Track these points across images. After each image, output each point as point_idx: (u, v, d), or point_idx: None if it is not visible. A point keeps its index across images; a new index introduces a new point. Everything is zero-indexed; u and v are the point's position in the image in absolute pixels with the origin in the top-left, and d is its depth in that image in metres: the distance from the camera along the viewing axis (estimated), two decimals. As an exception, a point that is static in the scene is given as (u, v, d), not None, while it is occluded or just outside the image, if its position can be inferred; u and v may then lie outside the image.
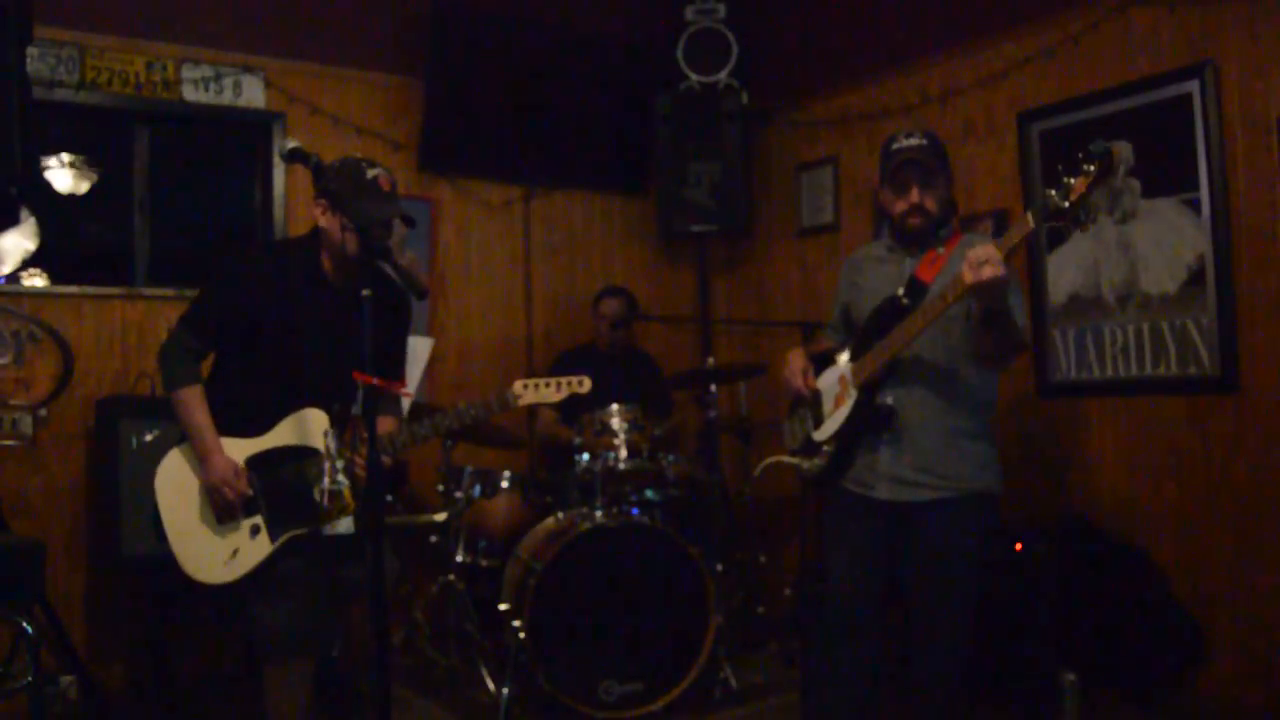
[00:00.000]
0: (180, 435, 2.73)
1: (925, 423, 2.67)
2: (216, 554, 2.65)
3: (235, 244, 4.62)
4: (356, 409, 2.74)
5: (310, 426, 2.68)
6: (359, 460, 2.63)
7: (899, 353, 2.63)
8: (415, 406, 4.00)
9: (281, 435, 2.70)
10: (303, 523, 2.64)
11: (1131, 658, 3.48)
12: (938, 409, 2.67)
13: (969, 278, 2.34)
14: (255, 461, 2.68)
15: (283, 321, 2.69)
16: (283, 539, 2.65)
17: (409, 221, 2.67)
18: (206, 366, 2.80)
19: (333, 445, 2.49)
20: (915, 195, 2.69)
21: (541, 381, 2.82)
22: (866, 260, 2.92)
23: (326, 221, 2.69)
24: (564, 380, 2.82)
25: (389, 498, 4.24)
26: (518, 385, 2.80)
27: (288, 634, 2.64)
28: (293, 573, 2.65)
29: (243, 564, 2.64)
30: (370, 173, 2.67)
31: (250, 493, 2.65)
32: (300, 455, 2.68)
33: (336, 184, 2.62)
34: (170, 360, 2.72)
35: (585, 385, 2.85)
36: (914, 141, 2.72)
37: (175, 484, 2.70)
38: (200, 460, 2.66)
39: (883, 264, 2.83)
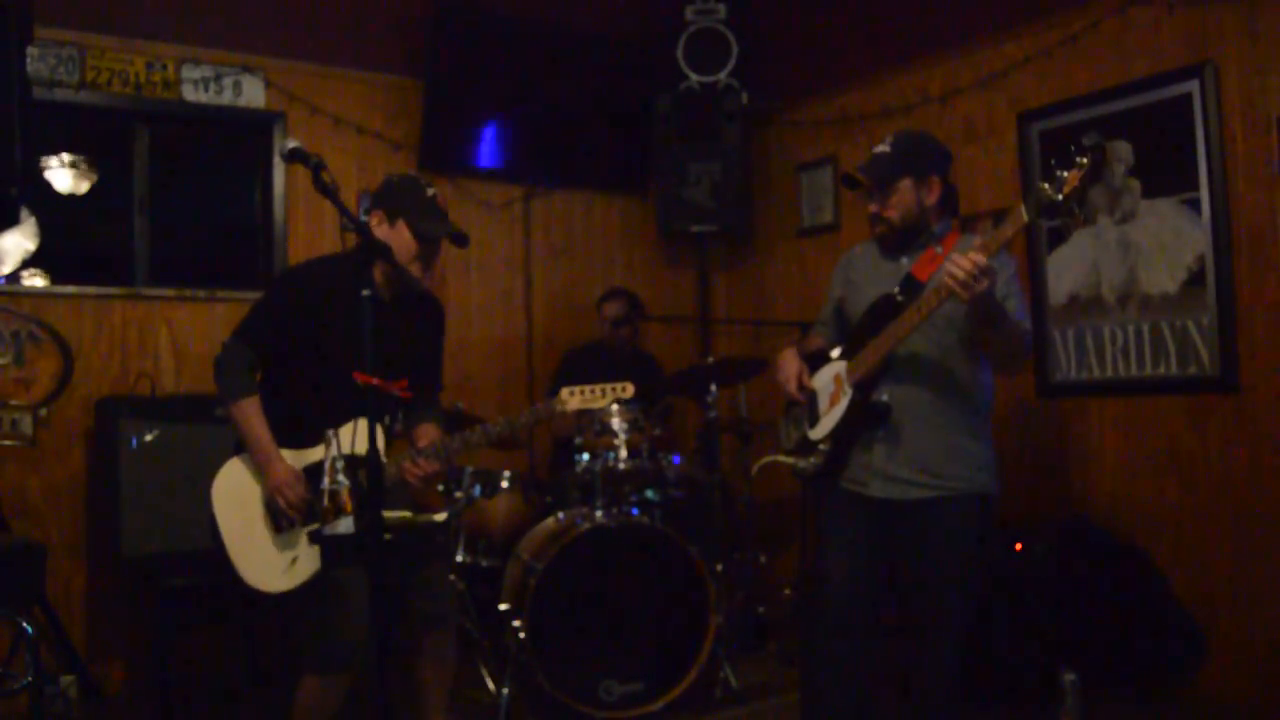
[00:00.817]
0: (236, 445, 2.76)
1: (921, 421, 2.66)
2: (275, 563, 2.67)
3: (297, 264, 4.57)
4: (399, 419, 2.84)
5: (362, 437, 2.69)
6: (412, 468, 2.71)
7: (892, 350, 2.63)
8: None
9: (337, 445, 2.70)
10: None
11: (1131, 657, 3.48)
12: (933, 408, 2.66)
13: (964, 295, 2.35)
14: (311, 471, 2.69)
15: (339, 335, 2.70)
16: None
17: (461, 240, 2.76)
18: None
19: (334, 445, 2.49)
20: (872, 206, 2.76)
21: (587, 388, 2.85)
22: (863, 257, 2.92)
23: (384, 234, 2.73)
24: (609, 386, 2.85)
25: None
26: (564, 393, 2.83)
27: (336, 647, 2.65)
28: (349, 587, 2.64)
29: (301, 572, 2.66)
30: (429, 191, 2.78)
31: (310, 499, 2.66)
32: (356, 464, 2.68)
33: (397, 198, 2.73)
34: (226, 372, 2.73)
35: (629, 391, 2.87)
36: (876, 150, 2.76)
37: (233, 493, 2.71)
38: (262, 469, 2.68)
39: (880, 262, 2.83)
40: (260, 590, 2.66)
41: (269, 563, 2.67)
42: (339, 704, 2.72)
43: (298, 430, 2.71)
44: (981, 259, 2.31)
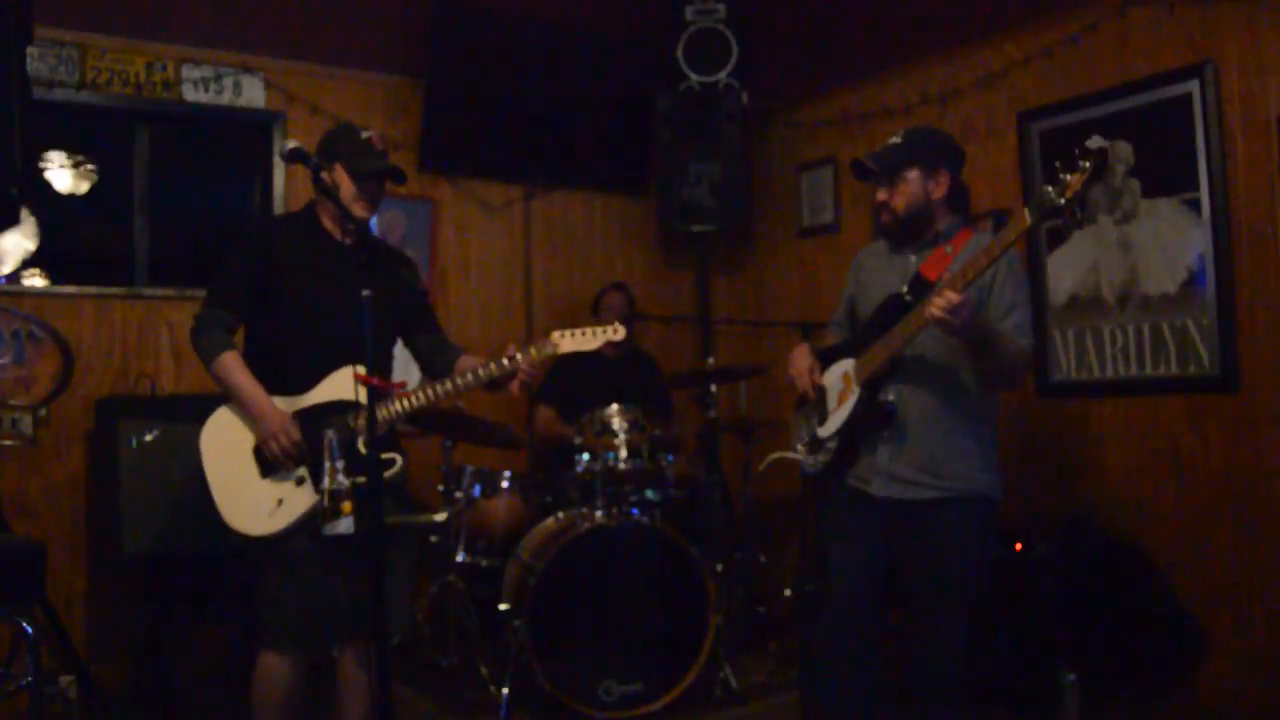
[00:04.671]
0: (222, 397, 2.78)
1: (926, 422, 2.67)
2: (261, 505, 2.67)
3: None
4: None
5: (352, 382, 2.70)
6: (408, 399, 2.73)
7: (899, 351, 2.63)
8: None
9: (326, 391, 2.74)
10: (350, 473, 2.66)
11: (1132, 657, 3.48)
12: (939, 409, 2.67)
13: (928, 313, 2.41)
14: (301, 416, 2.72)
15: (303, 280, 2.77)
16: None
17: (398, 176, 2.83)
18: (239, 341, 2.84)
19: (334, 444, 2.49)
20: (880, 194, 2.76)
21: (578, 331, 2.84)
22: (874, 255, 2.92)
23: (330, 180, 2.77)
24: (599, 329, 2.85)
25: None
26: (555, 334, 2.83)
27: (296, 626, 2.66)
28: (302, 558, 2.66)
29: (287, 514, 2.66)
30: (364, 134, 2.84)
31: (301, 440, 2.67)
32: (346, 409, 2.72)
33: (331, 145, 2.80)
34: (202, 335, 2.76)
35: (620, 333, 2.87)
36: (889, 141, 2.78)
37: (221, 439, 2.73)
38: (252, 416, 2.69)
39: (890, 260, 2.84)
40: (246, 534, 2.66)
41: (255, 506, 2.67)
42: (298, 685, 2.70)
43: (287, 378, 2.73)
44: (954, 297, 2.36)
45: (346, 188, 2.76)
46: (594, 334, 2.83)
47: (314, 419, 2.71)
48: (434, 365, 3.03)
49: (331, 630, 2.72)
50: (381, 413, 2.71)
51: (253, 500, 2.68)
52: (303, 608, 2.66)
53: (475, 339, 4.99)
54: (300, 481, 2.68)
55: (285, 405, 2.72)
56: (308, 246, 2.82)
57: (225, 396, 2.77)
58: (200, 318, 2.79)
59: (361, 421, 2.64)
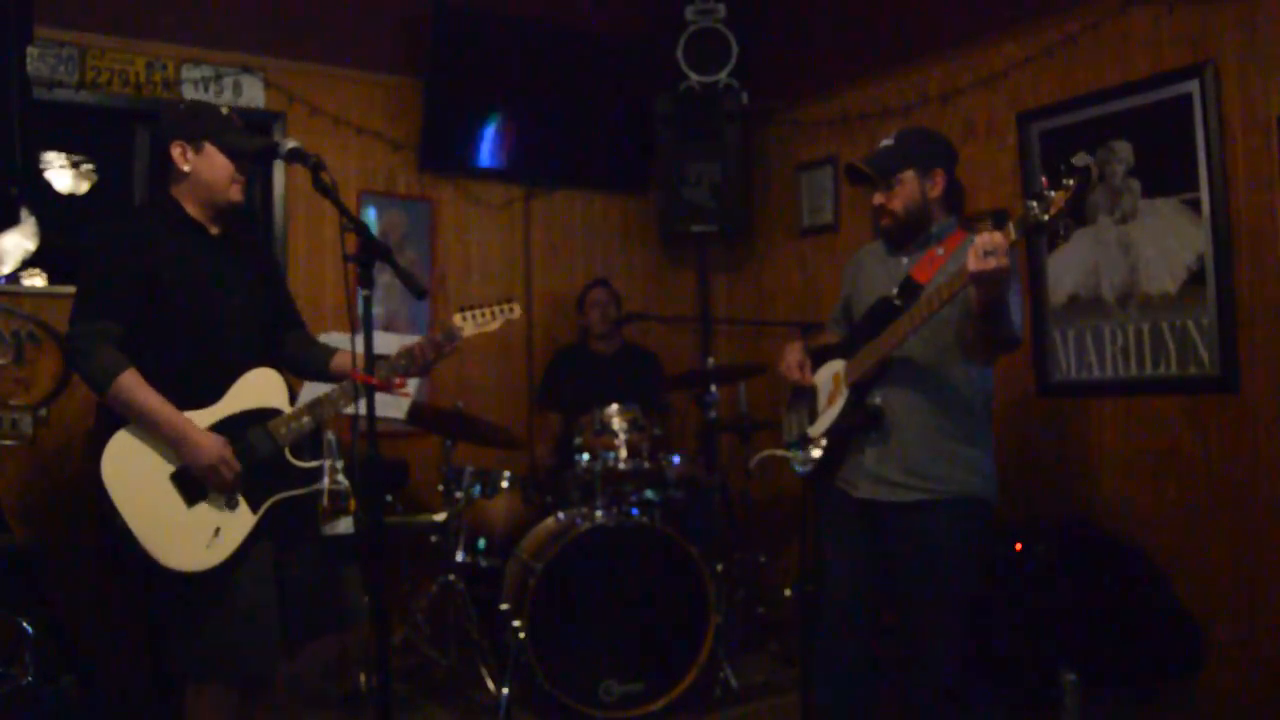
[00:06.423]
0: (113, 421, 2.52)
1: (914, 425, 2.66)
2: (196, 537, 2.45)
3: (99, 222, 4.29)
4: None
5: (267, 386, 2.60)
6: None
7: (889, 354, 2.63)
8: (415, 407, 4.01)
9: (239, 399, 2.56)
10: (283, 486, 2.54)
11: (1131, 657, 3.48)
12: (927, 411, 2.66)
13: (973, 265, 2.30)
14: (216, 430, 2.52)
15: (180, 275, 2.53)
16: (265, 505, 2.52)
17: (277, 153, 2.50)
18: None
19: (333, 444, 2.49)
20: (877, 198, 2.75)
21: (478, 311, 2.81)
22: (870, 255, 2.93)
23: (192, 163, 2.57)
24: (498, 307, 2.83)
25: (388, 498, 4.24)
26: (457, 318, 2.79)
27: (244, 655, 2.48)
28: (237, 585, 2.49)
29: (229, 542, 2.47)
30: (224, 110, 2.65)
31: (241, 466, 2.49)
32: (264, 417, 2.57)
33: (194, 122, 2.59)
34: (91, 356, 2.45)
35: (516, 311, 2.86)
36: (881, 144, 2.78)
37: (131, 470, 2.48)
38: (177, 443, 2.45)
39: (883, 261, 2.84)
40: (187, 572, 2.42)
41: (189, 539, 2.44)
42: (239, 710, 2.51)
43: (186, 391, 2.49)
44: (996, 236, 2.29)
45: (224, 169, 2.56)
46: (493, 314, 2.81)
47: (230, 432, 2.51)
48: (305, 365, 2.83)
49: (273, 649, 2.55)
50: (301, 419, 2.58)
51: (186, 533, 2.45)
52: (249, 634, 2.47)
53: (475, 339, 4.94)
54: (233, 505, 2.49)
55: (198, 421, 2.50)
56: (181, 240, 2.56)
57: (123, 419, 2.49)
58: (78, 335, 2.46)
59: (284, 430, 2.55)
